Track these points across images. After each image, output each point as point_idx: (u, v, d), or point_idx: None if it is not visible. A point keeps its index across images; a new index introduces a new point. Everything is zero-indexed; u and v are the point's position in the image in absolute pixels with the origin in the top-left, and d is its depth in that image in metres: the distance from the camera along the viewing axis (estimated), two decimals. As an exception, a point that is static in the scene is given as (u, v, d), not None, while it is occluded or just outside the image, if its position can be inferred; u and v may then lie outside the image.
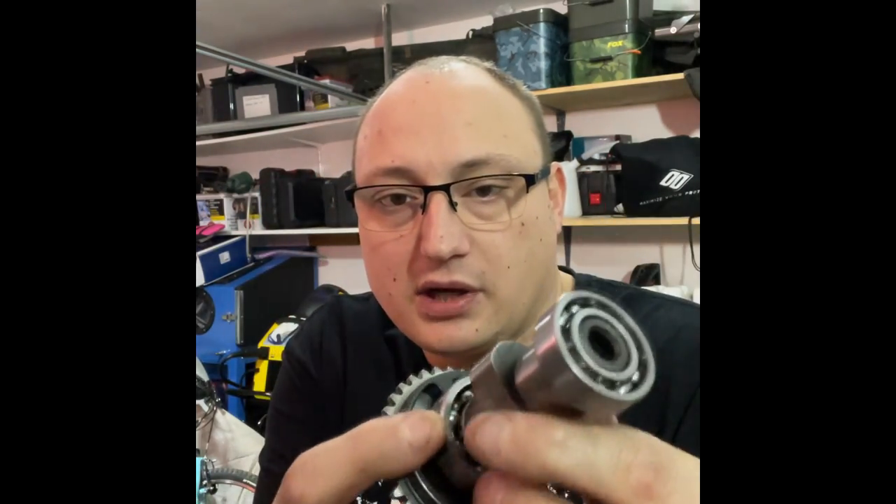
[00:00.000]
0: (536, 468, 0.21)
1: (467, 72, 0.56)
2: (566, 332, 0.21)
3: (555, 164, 0.60)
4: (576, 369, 0.20)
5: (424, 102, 0.53)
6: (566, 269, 0.67)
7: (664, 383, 0.55)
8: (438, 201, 0.51)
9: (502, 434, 0.22)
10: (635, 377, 0.22)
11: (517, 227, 0.53)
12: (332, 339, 0.70)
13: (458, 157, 0.51)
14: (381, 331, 0.67)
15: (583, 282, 0.64)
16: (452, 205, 0.51)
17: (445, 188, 0.51)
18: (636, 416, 0.52)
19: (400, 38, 2.62)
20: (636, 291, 0.63)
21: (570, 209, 2.13)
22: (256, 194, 2.83)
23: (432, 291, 0.52)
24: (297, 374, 0.71)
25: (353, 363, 0.68)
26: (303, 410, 0.70)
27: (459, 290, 0.52)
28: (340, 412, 0.68)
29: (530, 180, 0.53)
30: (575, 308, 0.22)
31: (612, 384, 0.21)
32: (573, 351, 0.21)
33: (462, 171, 0.51)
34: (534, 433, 0.22)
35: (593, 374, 0.21)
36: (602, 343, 0.22)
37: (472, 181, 0.52)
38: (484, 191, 0.52)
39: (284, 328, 2.54)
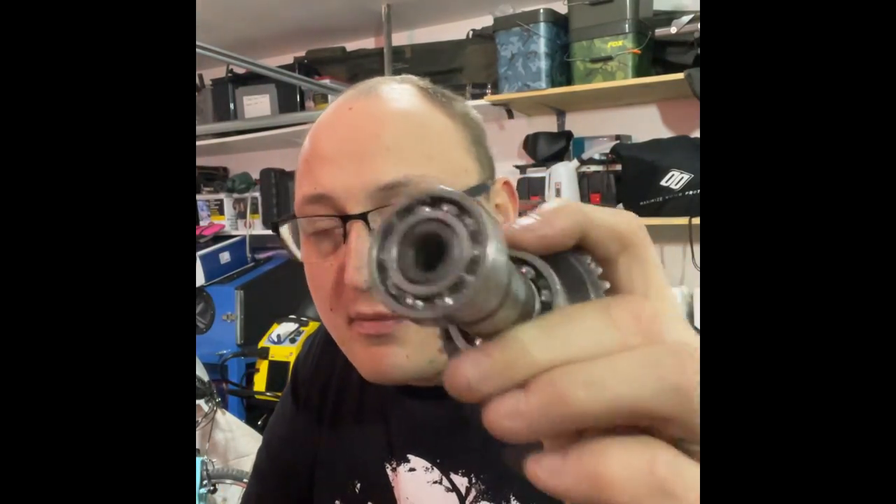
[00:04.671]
0: None
1: (393, 94, 0.55)
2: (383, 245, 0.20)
3: (500, 178, 0.59)
4: (381, 296, 0.20)
5: (345, 129, 0.53)
6: None
7: None
8: (357, 230, 0.50)
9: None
10: (464, 277, 0.19)
11: None
12: (331, 342, 0.72)
13: (376, 181, 0.50)
14: None
15: None
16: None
17: (363, 217, 0.50)
18: None
19: (400, 38, 2.62)
20: None
21: (570, 209, 2.13)
22: (256, 194, 2.83)
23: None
24: (292, 373, 0.76)
25: (342, 367, 0.70)
26: (288, 407, 0.74)
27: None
28: (323, 409, 0.70)
29: None
30: (406, 215, 0.20)
31: (427, 298, 0.19)
32: (382, 274, 0.20)
33: (381, 195, 0.50)
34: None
35: (399, 295, 0.20)
36: (436, 247, 0.20)
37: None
38: None
39: (284, 328, 2.54)
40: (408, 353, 0.52)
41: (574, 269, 0.24)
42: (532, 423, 0.20)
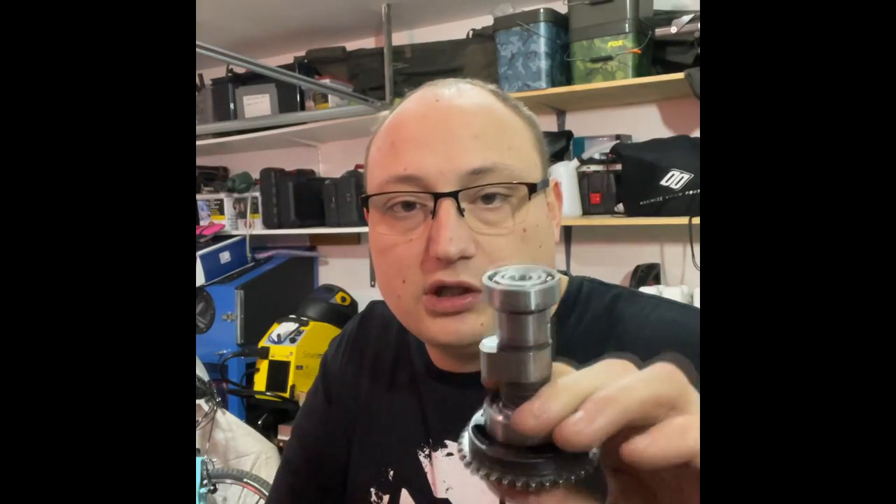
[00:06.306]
0: None
1: (474, 91, 0.62)
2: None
3: (552, 179, 0.65)
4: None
5: (435, 118, 0.58)
6: (561, 272, 0.69)
7: None
8: (448, 207, 0.55)
9: None
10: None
11: (519, 233, 0.57)
12: (358, 340, 0.77)
13: (467, 165, 0.56)
14: (401, 335, 0.73)
15: (576, 282, 0.68)
16: (460, 210, 0.56)
17: (454, 195, 0.55)
18: None
19: (400, 38, 2.62)
20: (625, 291, 0.66)
21: (570, 209, 2.13)
22: (257, 194, 2.83)
23: (439, 291, 0.57)
24: (321, 371, 0.80)
25: (370, 364, 0.75)
26: (320, 403, 0.77)
27: (465, 289, 0.56)
28: (355, 405, 0.74)
29: (532, 188, 0.58)
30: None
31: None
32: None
33: (469, 178, 0.56)
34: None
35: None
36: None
37: (478, 188, 0.56)
38: (489, 198, 0.57)
39: (284, 328, 2.54)
40: (483, 321, 0.57)
41: None
42: (594, 429, 0.27)
